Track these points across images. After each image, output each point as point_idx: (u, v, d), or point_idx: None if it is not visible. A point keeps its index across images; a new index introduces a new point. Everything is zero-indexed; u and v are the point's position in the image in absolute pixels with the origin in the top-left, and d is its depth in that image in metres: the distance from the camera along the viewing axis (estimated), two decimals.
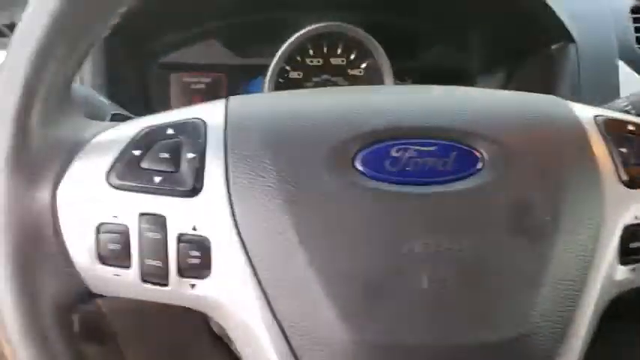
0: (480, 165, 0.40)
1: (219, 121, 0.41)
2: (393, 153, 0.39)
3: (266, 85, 0.92)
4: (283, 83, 0.95)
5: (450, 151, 0.40)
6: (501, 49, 0.92)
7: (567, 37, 0.82)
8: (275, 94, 0.53)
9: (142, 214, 0.37)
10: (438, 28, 0.92)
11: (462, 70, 0.96)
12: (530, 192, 0.40)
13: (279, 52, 0.91)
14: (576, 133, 0.42)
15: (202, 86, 0.95)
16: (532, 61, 0.89)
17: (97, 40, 0.42)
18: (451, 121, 0.41)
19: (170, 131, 0.40)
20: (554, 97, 0.47)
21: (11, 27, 0.82)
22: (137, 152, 0.39)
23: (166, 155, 0.39)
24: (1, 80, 0.39)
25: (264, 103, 0.45)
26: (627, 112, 0.55)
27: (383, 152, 0.39)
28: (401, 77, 0.96)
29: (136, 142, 0.39)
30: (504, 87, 0.95)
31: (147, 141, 0.39)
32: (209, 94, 0.95)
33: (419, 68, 0.96)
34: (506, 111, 0.43)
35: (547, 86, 0.85)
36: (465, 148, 0.40)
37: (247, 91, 0.95)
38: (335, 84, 0.96)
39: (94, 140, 0.40)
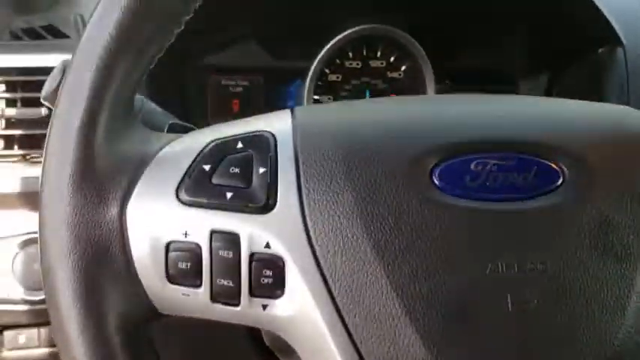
0: (560, 180, 0.38)
1: (287, 134, 0.39)
2: (473, 167, 0.38)
3: (305, 88, 0.90)
4: (322, 86, 0.93)
5: (531, 166, 0.38)
6: (545, 51, 0.89)
7: (615, 40, 0.79)
8: (340, 104, 0.52)
9: (213, 232, 0.36)
10: (478, 29, 0.90)
11: (504, 73, 0.94)
12: (613, 210, 0.38)
13: (320, 55, 0.90)
14: None
15: (240, 89, 0.94)
16: (577, 64, 0.86)
17: (162, 50, 0.41)
18: (530, 135, 0.39)
19: (240, 145, 0.39)
20: (628, 107, 0.45)
21: (29, 32, 0.81)
22: (207, 167, 0.38)
23: (237, 170, 0.37)
24: (65, 91, 0.38)
25: (332, 113, 0.43)
26: None
27: (462, 166, 0.38)
28: (440, 79, 0.95)
29: (205, 156, 0.38)
30: (548, 91, 0.92)
31: (216, 155, 0.38)
32: (247, 97, 0.94)
33: (459, 70, 0.94)
34: (585, 124, 0.42)
35: (594, 91, 0.83)
36: (546, 163, 0.38)
37: (286, 95, 0.94)
38: (374, 87, 0.94)
39: (161, 154, 0.39)
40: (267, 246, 0.36)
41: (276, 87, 0.94)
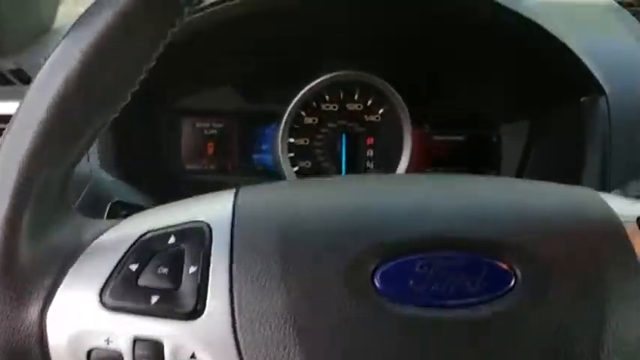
0: (512, 282, 0.36)
1: (225, 224, 0.37)
2: (417, 269, 0.35)
3: (280, 132, 0.88)
4: (298, 129, 0.91)
5: (481, 267, 0.36)
6: (525, 97, 0.87)
7: (597, 90, 0.77)
8: (288, 185, 0.49)
9: (136, 339, 0.34)
10: (457, 74, 0.88)
11: (483, 118, 0.92)
12: (569, 315, 0.36)
13: (295, 99, 0.88)
14: (619, 244, 0.38)
15: (215, 132, 0.92)
16: (558, 112, 0.84)
17: (105, 125, 0.39)
18: (481, 232, 0.37)
19: (172, 239, 0.36)
20: (590, 191, 0.43)
21: (16, 73, 0.79)
22: (134, 266, 0.35)
23: (165, 270, 0.35)
24: None
25: (276, 198, 0.41)
26: None
27: (406, 268, 0.35)
28: (419, 123, 0.93)
29: (134, 253, 0.36)
30: (529, 137, 0.90)
31: (146, 252, 0.36)
32: (222, 140, 0.92)
33: (438, 114, 0.92)
34: (541, 217, 0.39)
35: (575, 140, 0.80)
36: (497, 263, 0.36)
37: (261, 138, 0.92)
38: (351, 130, 0.92)
39: (91, 247, 0.37)
40: (193, 356, 0.34)
41: (252, 130, 0.92)
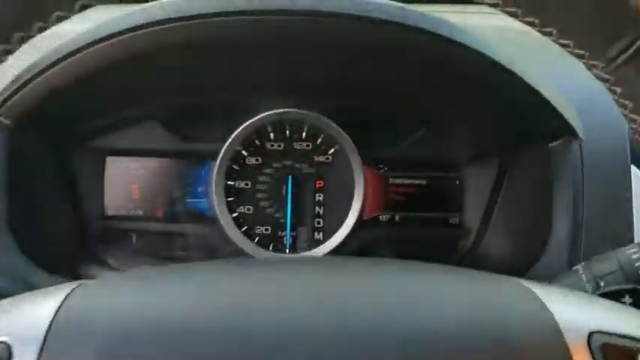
0: None
1: (32, 345, 0.27)
2: None
3: (214, 173, 0.78)
4: (239, 170, 0.81)
5: None
6: (493, 140, 0.78)
7: (570, 134, 0.68)
8: (133, 282, 0.39)
9: None
10: (417, 115, 0.78)
11: (447, 160, 0.83)
12: None
13: (233, 136, 0.78)
14: None
15: (142, 172, 0.82)
16: (528, 155, 0.75)
17: None
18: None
19: None
20: (525, 288, 0.33)
21: None
22: None
23: None
24: None
25: (107, 310, 0.31)
26: None
27: None
28: (376, 165, 0.83)
29: None
30: (496, 180, 0.81)
31: None
32: (150, 183, 0.82)
33: (397, 157, 0.83)
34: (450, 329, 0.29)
35: (545, 187, 0.71)
36: None
37: (197, 179, 0.82)
38: (299, 172, 0.82)
39: None
40: None
41: (185, 171, 0.82)
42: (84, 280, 0.38)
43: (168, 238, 0.81)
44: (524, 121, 0.69)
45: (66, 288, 0.34)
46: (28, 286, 0.51)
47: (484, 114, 0.72)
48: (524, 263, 0.70)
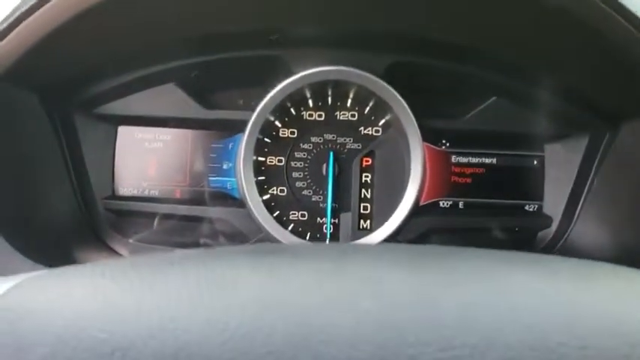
0: None
1: None
2: None
3: (243, 147, 0.66)
4: (271, 144, 0.68)
5: None
6: (586, 110, 0.62)
7: None
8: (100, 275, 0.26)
9: None
10: (491, 74, 0.63)
11: (524, 136, 0.68)
12: None
13: (264, 102, 0.65)
14: None
15: (159, 145, 0.70)
16: (631, 128, 0.59)
17: None
18: None
19: None
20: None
21: None
22: None
23: None
24: None
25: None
26: None
27: None
28: (436, 141, 0.69)
29: None
30: (587, 158, 0.66)
31: None
32: (168, 157, 0.69)
33: (461, 130, 0.68)
34: None
35: None
36: None
37: (222, 154, 0.69)
38: (341, 147, 0.69)
39: None
40: None
41: (209, 144, 0.69)
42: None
43: (188, 222, 0.69)
44: (635, 77, 0.53)
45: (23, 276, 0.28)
46: None
47: (586, 68, 0.56)
48: (631, 263, 0.55)
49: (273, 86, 0.65)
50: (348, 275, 0.25)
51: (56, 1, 0.49)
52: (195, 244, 0.68)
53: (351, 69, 0.64)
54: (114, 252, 0.65)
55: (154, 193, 0.69)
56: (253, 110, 0.66)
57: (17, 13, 0.50)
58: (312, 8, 0.56)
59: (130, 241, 0.67)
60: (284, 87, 0.65)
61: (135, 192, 0.69)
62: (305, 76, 0.64)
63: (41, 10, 0.49)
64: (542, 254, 0.33)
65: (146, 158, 0.69)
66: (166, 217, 0.68)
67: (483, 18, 0.52)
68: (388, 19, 0.56)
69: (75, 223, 0.64)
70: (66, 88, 0.62)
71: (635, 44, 0.48)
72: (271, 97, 0.65)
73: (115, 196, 0.68)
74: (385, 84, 0.64)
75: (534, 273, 0.29)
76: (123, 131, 0.69)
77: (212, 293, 0.24)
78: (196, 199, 0.69)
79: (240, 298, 0.23)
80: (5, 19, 0.51)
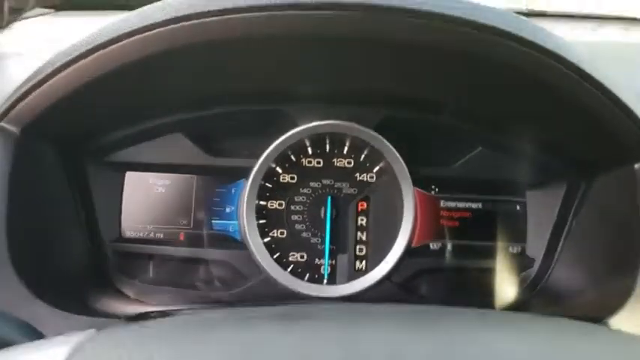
0: None
1: None
2: None
3: (247, 192, 0.69)
4: (272, 189, 0.72)
5: None
6: (563, 160, 0.68)
7: None
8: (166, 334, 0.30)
9: None
10: (477, 127, 0.69)
11: (507, 182, 0.73)
12: None
13: (267, 151, 0.69)
14: None
15: (165, 189, 0.73)
16: (607, 178, 0.65)
17: None
18: None
19: None
20: None
21: None
22: None
23: None
24: None
25: None
26: None
27: None
28: (426, 186, 0.74)
29: None
30: (565, 203, 0.71)
31: None
32: (173, 201, 0.73)
33: (450, 177, 0.73)
34: None
35: (629, 215, 0.61)
36: None
37: (226, 198, 0.73)
38: (338, 192, 0.73)
39: None
40: None
41: (212, 189, 0.73)
42: (92, 327, 0.30)
43: (192, 264, 0.72)
44: (606, 137, 0.59)
45: (73, 339, 0.28)
46: (30, 328, 0.42)
47: (559, 127, 0.62)
48: (604, 305, 0.60)
49: (275, 136, 0.70)
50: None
51: (78, 65, 0.53)
52: (199, 285, 0.71)
53: (348, 123, 0.68)
54: (121, 293, 0.68)
55: (159, 235, 0.72)
56: (257, 158, 0.70)
57: (41, 75, 0.54)
58: (312, 74, 0.61)
59: (136, 282, 0.70)
60: (286, 138, 0.69)
61: (141, 235, 0.72)
62: (306, 128, 0.69)
63: (63, 73, 0.53)
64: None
65: (152, 202, 0.73)
66: (171, 258, 0.72)
67: (472, 85, 0.58)
68: (380, 81, 0.61)
69: (85, 265, 0.66)
70: (80, 139, 0.65)
71: (604, 109, 0.54)
72: (274, 147, 0.69)
73: (122, 239, 0.71)
74: (378, 135, 0.69)
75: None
76: (130, 177, 0.72)
77: None
78: (200, 242, 0.72)
79: None
80: (30, 79, 0.55)
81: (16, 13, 0.84)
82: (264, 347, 0.27)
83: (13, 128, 0.56)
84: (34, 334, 0.43)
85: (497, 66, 0.52)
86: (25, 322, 0.41)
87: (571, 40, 0.55)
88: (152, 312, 0.64)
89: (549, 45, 0.51)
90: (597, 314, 0.58)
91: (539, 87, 0.53)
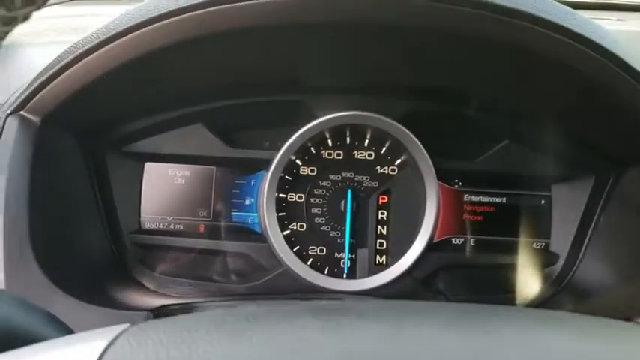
0: None
1: None
2: None
3: (266, 184, 0.69)
4: (292, 182, 0.71)
5: None
6: (592, 153, 0.66)
7: None
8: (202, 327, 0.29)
9: None
10: (504, 120, 0.67)
11: (533, 177, 0.71)
12: None
13: (288, 143, 0.68)
14: None
15: (184, 180, 0.72)
16: (636, 172, 0.63)
17: None
18: None
19: None
20: None
21: None
22: None
23: None
24: None
25: None
26: None
27: None
28: (449, 180, 0.72)
29: None
30: (592, 198, 0.69)
31: None
32: (192, 193, 0.72)
33: (474, 171, 0.72)
34: None
35: None
36: None
37: (244, 190, 0.72)
38: (359, 185, 0.72)
39: None
40: None
41: (232, 180, 0.72)
42: (114, 319, 0.29)
43: (211, 256, 0.71)
44: (636, 128, 0.57)
45: (108, 334, 0.28)
46: (57, 321, 0.42)
47: (590, 121, 0.60)
48: (633, 304, 0.58)
49: (295, 128, 0.69)
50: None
51: (99, 53, 0.52)
52: (218, 277, 0.71)
53: (370, 114, 0.67)
54: (141, 285, 0.67)
55: (179, 227, 0.72)
56: (277, 150, 0.69)
57: (62, 62, 0.53)
58: (335, 65, 0.60)
59: (156, 274, 0.69)
60: (306, 130, 0.68)
61: (160, 226, 0.72)
62: (327, 120, 0.67)
63: (83, 61, 0.52)
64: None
65: (171, 193, 0.72)
66: (190, 250, 0.71)
67: (500, 76, 0.56)
68: (407, 74, 0.60)
69: (105, 256, 0.66)
70: (100, 129, 0.65)
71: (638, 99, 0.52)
72: (294, 140, 0.68)
73: (141, 230, 0.71)
74: (402, 127, 0.67)
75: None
76: (150, 168, 0.72)
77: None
78: (219, 234, 0.72)
79: None
80: (50, 67, 0.54)
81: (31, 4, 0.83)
82: (310, 345, 0.27)
83: (33, 118, 0.56)
84: (61, 326, 0.43)
85: (532, 57, 0.50)
86: (51, 315, 0.40)
87: None
88: (171, 305, 0.63)
89: (591, 36, 0.49)
90: (625, 314, 0.56)
91: (572, 79, 0.52)
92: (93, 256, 0.64)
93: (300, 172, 0.72)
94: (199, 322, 0.29)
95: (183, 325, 0.29)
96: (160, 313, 0.61)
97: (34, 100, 0.56)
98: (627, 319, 0.58)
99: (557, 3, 0.49)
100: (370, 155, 0.72)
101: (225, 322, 0.29)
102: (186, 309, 0.63)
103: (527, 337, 0.28)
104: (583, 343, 0.28)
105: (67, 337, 0.31)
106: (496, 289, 0.71)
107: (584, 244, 0.69)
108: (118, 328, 0.30)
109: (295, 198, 0.72)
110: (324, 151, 0.72)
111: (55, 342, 0.29)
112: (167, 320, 0.31)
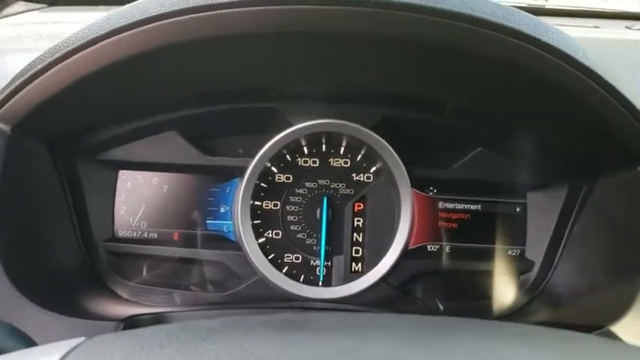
0: None
1: None
2: None
3: (240, 191, 0.68)
4: (267, 189, 0.71)
5: None
6: (565, 162, 0.67)
7: None
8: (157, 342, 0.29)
9: None
10: (478, 127, 0.67)
11: (507, 184, 0.72)
12: None
13: (262, 150, 0.68)
14: None
15: (158, 188, 0.72)
16: (610, 180, 0.64)
17: None
18: None
19: None
20: None
21: None
22: None
23: None
24: None
25: None
26: None
27: None
28: (424, 187, 0.72)
29: None
30: (566, 206, 0.69)
31: None
32: (167, 200, 0.72)
33: (449, 178, 0.72)
34: None
35: (633, 219, 0.60)
36: None
37: (219, 198, 0.72)
38: (334, 192, 0.72)
39: None
40: None
41: (207, 188, 0.72)
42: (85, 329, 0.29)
43: (186, 265, 0.71)
44: (608, 141, 0.58)
45: (61, 349, 0.28)
46: (16, 332, 0.41)
47: (563, 128, 0.61)
48: (606, 312, 0.59)
49: (270, 135, 0.68)
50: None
51: (69, 62, 0.51)
52: (193, 286, 0.70)
53: (345, 122, 0.67)
54: (114, 294, 0.67)
55: (153, 235, 0.71)
56: (252, 158, 0.69)
57: (32, 70, 0.53)
58: (308, 72, 0.60)
59: (130, 283, 0.69)
60: (282, 138, 0.68)
61: (134, 234, 0.71)
62: (302, 128, 0.67)
63: (55, 68, 0.52)
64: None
65: (145, 201, 0.72)
66: (165, 259, 0.71)
67: (472, 83, 0.56)
68: (378, 81, 0.60)
69: (77, 265, 0.65)
70: (72, 137, 0.64)
71: (611, 110, 0.52)
72: (269, 147, 0.68)
73: (115, 239, 0.70)
74: (376, 135, 0.67)
75: None
76: (123, 175, 0.71)
77: None
78: (194, 242, 0.71)
79: None
80: (20, 75, 0.54)
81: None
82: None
83: (3, 126, 0.55)
84: (22, 339, 0.42)
85: (501, 65, 0.50)
86: (12, 327, 0.40)
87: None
88: (144, 315, 0.63)
89: (556, 43, 0.49)
90: (598, 321, 0.57)
91: (545, 86, 0.52)
92: (64, 265, 0.64)
93: (276, 180, 0.72)
94: (153, 338, 0.29)
95: (137, 341, 0.29)
96: (131, 322, 0.61)
97: (3, 108, 0.55)
98: (600, 326, 0.58)
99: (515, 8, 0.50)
100: (346, 163, 0.72)
101: (179, 338, 0.29)
102: (158, 318, 0.62)
103: (487, 354, 0.28)
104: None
105: (20, 352, 0.30)
106: (472, 296, 0.71)
107: (559, 251, 0.69)
108: (71, 343, 0.29)
109: (271, 205, 0.72)
110: (299, 159, 0.72)
111: (5, 357, 0.28)
112: (122, 334, 0.30)
